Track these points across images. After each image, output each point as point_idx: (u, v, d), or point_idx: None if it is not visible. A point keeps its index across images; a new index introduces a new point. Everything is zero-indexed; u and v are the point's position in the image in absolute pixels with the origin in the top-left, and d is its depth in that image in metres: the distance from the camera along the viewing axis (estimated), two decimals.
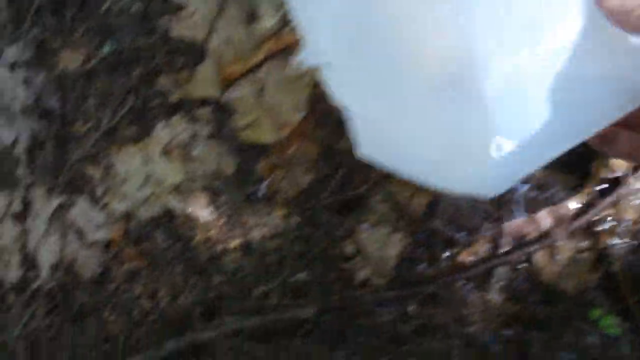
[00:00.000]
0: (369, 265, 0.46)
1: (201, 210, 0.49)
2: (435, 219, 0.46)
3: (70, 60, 0.53)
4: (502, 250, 0.46)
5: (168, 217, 0.50)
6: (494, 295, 0.44)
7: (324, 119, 0.49)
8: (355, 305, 0.47)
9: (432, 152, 0.27)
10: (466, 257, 0.45)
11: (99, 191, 0.51)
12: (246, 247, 0.49)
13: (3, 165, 0.54)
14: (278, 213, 0.49)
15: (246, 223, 0.49)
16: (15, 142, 0.54)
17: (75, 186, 0.52)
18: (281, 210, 0.49)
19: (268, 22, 0.50)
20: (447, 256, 0.46)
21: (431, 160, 0.28)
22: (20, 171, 0.53)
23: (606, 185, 0.46)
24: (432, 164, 0.28)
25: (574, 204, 0.45)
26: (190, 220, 0.50)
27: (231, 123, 0.49)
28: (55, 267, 0.52)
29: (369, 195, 0.47)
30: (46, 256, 0.52)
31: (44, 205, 0.52)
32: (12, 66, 0.54)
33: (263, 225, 0.49)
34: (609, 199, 0.46)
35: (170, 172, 0.50)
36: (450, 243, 0.46)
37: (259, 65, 0.50)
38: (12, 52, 0.54)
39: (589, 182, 0.44)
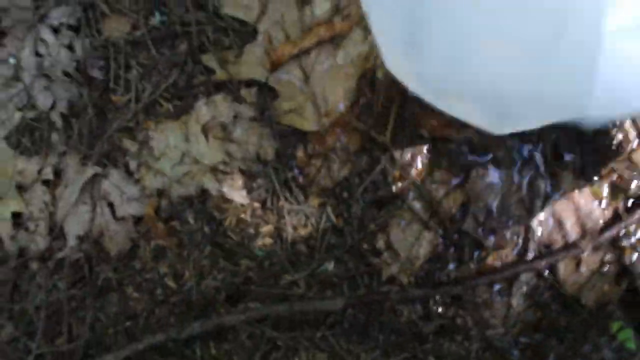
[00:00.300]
0: (398, 262, 0.63)
1: (236, 193, 0.66)
2: (466, 220, 0.62)
3: (117, 28, 0.71)
4: (528, 257, 0.62)
5: (202, 197, 0.68)
6: (517, 301, 0.61)
7: (368, 112, 0.66)
8: (381, 301, 0.63)
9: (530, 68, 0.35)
10: (493, 260, 0.62)
11: (133, 165, 0.69)
12: (277, 234, 0.66)
13: (38, 130, 0.72)
14: (312, 202, 0.66)
15: (280, 209, 0.65)
16: (52, 107, 0.72)
17: (110, 158, 0.70)
18: (316, 200, 0.66)
19: (321, 7, 0.67)
20: (475, 258, 0.62)
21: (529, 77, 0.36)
22: (55, 138, 0.72)
23: (634, 201, 0.62)
24: (529, 80, 0.36)
25: (602, 218, 0.61)
26: (224, 202, 0.67)
27: (274, 107, 0.66)
28: (82, 239, 0.70)
29: (404, 191, 0.63)
30: (74, 227, 0.70)
31: (77, 175, 0.70)
32: (57, 29, 0.73)
33: (296, 213, 0.66)
34: (637, 215, 0.61)
35: (209, 152, 0.67)
36: (479, 246, 0.63)
37: (307, 51, 0.67)
38: (57, 14, 0.72)
39: (618, 197, 0.60)
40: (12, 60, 0.79)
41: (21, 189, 0.75)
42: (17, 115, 0.77)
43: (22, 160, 0.76)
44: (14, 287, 0.76)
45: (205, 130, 0.70)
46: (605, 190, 0.67)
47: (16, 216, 0.75)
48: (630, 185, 0.65)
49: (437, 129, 0.66)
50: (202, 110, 0.70)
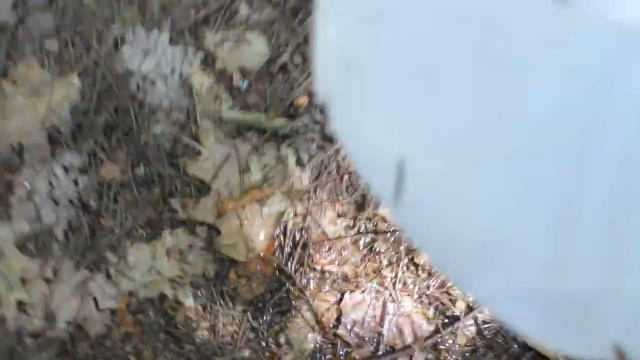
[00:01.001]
0: (290, 352, 1.00)
1: (186, 298, 1.02)
2: (340, 327, 1.01)
3: (111, 171, 1.08)
4: (379, 354, 1.01)
5: (161, 299, 1.03)
6: None
7: (279, 250, 1.05)
8: None
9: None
10: (357, 355, 1.00)
11: (113, 272, 1.04)
12: (212, 328, 1.02)
13: (42, 239, 1.06)
14: (238, 308, 1.03)
15: (215, 312, 1.02)
16: (55, 224, 1.06)
17: (96, 265, 1.04)
18: (240, 307, 1.03)
19: (255, 176, 1.07)
20: (345, 352, 1.00)
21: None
22: (55, 247, 1.06)
23: (448, 321, 1.03)
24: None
25: (427, 329, 1.02)
26: (176, 304, 1.03)
27: (217, 241, 1.04)
28: (69, 323, 1.03)
29: (299, 306, 1.02)
30: (65, 314, 1.03)
31: (71, 276, 1.04)
32: (67, 169, 1.08)
33: (226, 315, 1.03)
34: (449, 329, 1.03)
35: (169, 268, 1.03)
36: (347, 344, 1.01)
37: (243, 206, 1.05)
38: (69, 158, 1.08)
39: (439, 317, 1.01)
40: (27, 185, 1.13)
41: (25, 282, 1.07)
42: (26, 226, 1.10)
43: (27, 261, 1.08)
44: (10, 357, 1.06)
45: (168, 253, 1.06)
46: (432, 312, 1.09)
47: (19, 303, 1.07)
48: (447, 311, 1.07)
49: (324, 265, 1.06)
50: (167, 239, 1.07)
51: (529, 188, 0.27)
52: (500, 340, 1.08)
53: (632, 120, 0.25)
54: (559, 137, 0.26)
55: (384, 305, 1.06)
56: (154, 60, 1.12)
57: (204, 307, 1.05)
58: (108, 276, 1.06)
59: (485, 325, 1.08)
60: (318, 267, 1.05)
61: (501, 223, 0.28)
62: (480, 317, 1.09)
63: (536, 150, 0.26)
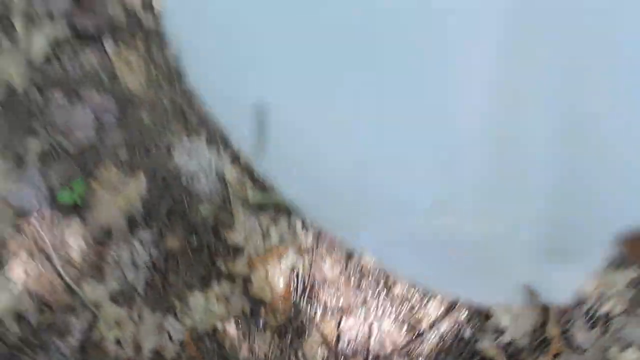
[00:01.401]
0: None
1: (231, 329, 1.50)
2: (340, 343, 1.48)
3: (173, 242, 1.56)
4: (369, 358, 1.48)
5: (214, 331, 1.51)
6: None
7: (294, 291, 1.52)
8: None
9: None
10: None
11: (179, 314, 1.52)
12: (250, 349, 1.50)
13: (129, 293, 1.55)
14: (267, 333, 1.51)
15: (252, 337, 1.50)
16: (136, 282, 1.55)
17: (167, 310, 1.53)
18: (269, 333, 1.51)
19: (274, 240, 1.55)
20: None
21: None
22: (138, 298, 1.54)
23: (417, 335, 1.50)
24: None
25: (403, 340, 1.49)
26: (224, 334, 1.51)
27: (251, 288, 1.52)
28: (151, 351, 1.51)
29: (311, 330, 1.49)
30: (148, 345, 1.52)
31: (150, 318, 1.52)
32: (142, 242, 1.56)
33: (259, 339, 1.50)
34: (419, 339, 1.50)
35: (218, 309, 1.51)
36: (346, 357, 1.47)
37: (268, 262, 1.53)
38: (143, 235, 1.57)
39: (410, 331, 1.48)
40: (115, 256, 1.61)
41: (119, 324, 1.55)
42: (116, 285, 1.58)
43: (119, 310, 1.56)
44: None
45: (217, 298, 1.53)
46: (405, 328, 1.55)
47: (116, 338, 1.54)
48: (416, 327, 1.52)
49: (327, 299, 1.53)
50: (215, 288, 1.54)
51: (406, 133, 0.25)
52: (455, 347, 1.53)
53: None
54: (433, 75, 0.23)
55: (371, 326, 1.52)
56: (196, 160, 1.61)
57: (244, 335, 1.52)
58: (176, 317, 1.54)
59: (444, 337, 1.53)
60: (322, 301, 1.52)
61: (377, 169, 0.25)
62: (440, 331, 1.54)
63: (409, 93, 0.24)
